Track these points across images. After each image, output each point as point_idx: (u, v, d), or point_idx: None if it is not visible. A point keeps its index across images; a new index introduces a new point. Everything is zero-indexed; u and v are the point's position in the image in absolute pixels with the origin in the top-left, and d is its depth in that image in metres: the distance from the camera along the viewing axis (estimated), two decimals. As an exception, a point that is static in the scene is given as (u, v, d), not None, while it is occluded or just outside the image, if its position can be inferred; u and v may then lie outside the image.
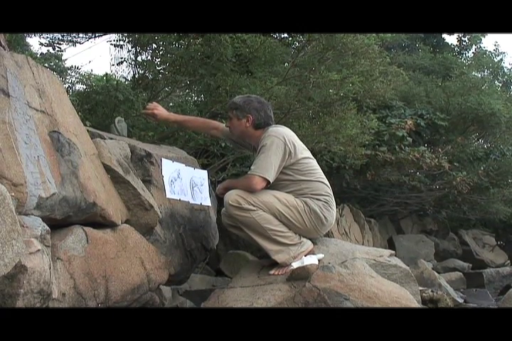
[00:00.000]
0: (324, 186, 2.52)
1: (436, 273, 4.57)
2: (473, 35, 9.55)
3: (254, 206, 2.37)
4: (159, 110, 2.91)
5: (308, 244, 2.48)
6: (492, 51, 9.37)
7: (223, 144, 4.59)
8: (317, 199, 2.47)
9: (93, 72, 7.16)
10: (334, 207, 2.55)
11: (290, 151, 2.44)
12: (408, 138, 6.21)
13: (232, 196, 2.39)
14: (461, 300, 4.11)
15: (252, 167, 2.45)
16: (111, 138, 2.58)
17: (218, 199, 2.97)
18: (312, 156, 2.61)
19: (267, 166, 2.40)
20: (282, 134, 2.47)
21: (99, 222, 2.10)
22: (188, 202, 2.83)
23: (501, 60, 9.31)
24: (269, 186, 2.48)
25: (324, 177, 2.57)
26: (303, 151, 2.53)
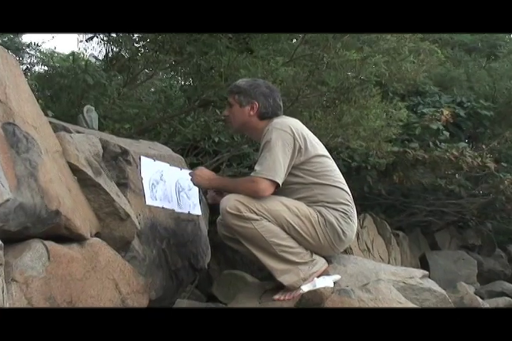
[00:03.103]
0: (343, 193, 2.52)
1: (479, 299, 4.56)
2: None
3: (257, 214, 2.38)
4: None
5: (321, 263, 2.49)
6: (548, 24, 9.36)
7: (216, 139, 4.60)
8: (334, 208, 2.47)
9: (56, 50, 7.19)
10: (355, 219, 2.55)
11: (300, 147, 2.45)
12: (445, 132, 6.20)
13: (230, 201, 2.39)
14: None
15: (256, 167, 2.45)
16: (78, 132, 2.59)
17: (211, 207, 2.97)
18: (329, 155, 2.61)
19: (275, 166, 2.40)
20: (289, 126, 2.48)
21: (64, 234, 2.11)
22: (173, 210, 2.83)
23: (559, 35, 9.30)
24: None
25: (344, 181, 2.58)
26: (316, 147, 2.53)
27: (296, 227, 2.42)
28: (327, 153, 2.61)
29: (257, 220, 2.38)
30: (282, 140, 2.43)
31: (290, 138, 2.44)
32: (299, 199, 2.49)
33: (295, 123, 2.56)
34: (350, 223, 2.51)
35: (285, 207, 2.42)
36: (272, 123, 2.52)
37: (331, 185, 2.50)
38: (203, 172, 2.65)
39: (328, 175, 2.51)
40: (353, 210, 2.54)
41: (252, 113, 2.60)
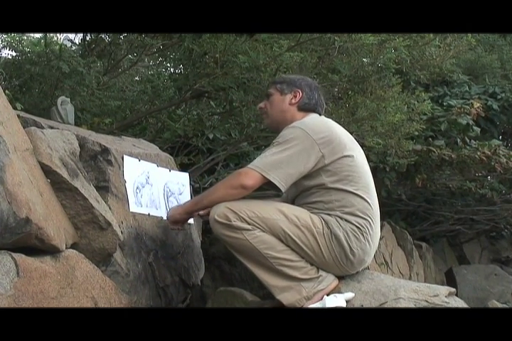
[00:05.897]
0: (365, 204, 2.48)
1: (515, 321, 4.57)
2: None
3: (248, 224, 2.38)
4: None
5: (329, 280, 2.48)
6: None
7: (211, 136, 4.60)
8: (346, 220, 2.44)
9: (26, 34, 7.18)
10: (372, 239, 2.50)
11: (323, 155, 2.44)
12: (475, 128, 6.21)
13: (219, 208, 2.41)
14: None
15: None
16: (51, 127, 2.59)
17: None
18: (361, 155, 2.60)
19: (272, 162, 2.42)
20: (312, 128, 2.48)
21: (35, 246, 2.11)
22: (161, 218, 2.84)
23: None
24: (292, 198, 2.55)
25: (372, 192, 2.55)
26: (348, 148, 2.52)
27: (295, 239, 2.39)
28: (359, 154, 2.58)
29: (249, 230, 2.37)
30: (296, 141, 2.43)
31: (309, 142, 2.43)
32: (313, 202, 2.48)
33: (323, 124, 2.56)
34: (363, 241, 2.45)
35: (282, 215, 2.41)
36: (299, 121, 2.54)
37: (351, 192, 2.46)
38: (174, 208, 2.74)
39: (351, 181, 2.47)
40: (370, 227, 2.48)
41: (293, 101, 2.67)
